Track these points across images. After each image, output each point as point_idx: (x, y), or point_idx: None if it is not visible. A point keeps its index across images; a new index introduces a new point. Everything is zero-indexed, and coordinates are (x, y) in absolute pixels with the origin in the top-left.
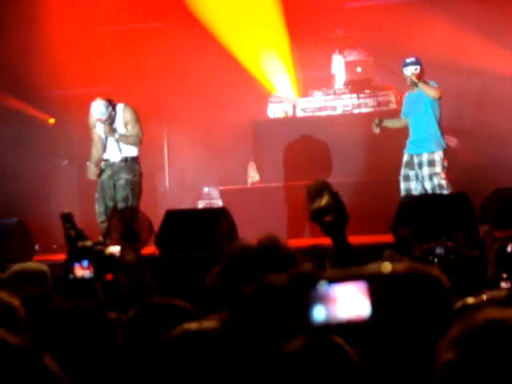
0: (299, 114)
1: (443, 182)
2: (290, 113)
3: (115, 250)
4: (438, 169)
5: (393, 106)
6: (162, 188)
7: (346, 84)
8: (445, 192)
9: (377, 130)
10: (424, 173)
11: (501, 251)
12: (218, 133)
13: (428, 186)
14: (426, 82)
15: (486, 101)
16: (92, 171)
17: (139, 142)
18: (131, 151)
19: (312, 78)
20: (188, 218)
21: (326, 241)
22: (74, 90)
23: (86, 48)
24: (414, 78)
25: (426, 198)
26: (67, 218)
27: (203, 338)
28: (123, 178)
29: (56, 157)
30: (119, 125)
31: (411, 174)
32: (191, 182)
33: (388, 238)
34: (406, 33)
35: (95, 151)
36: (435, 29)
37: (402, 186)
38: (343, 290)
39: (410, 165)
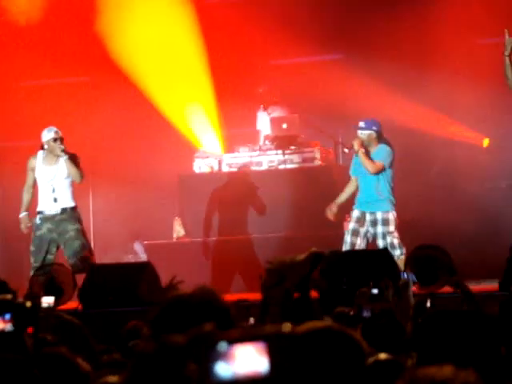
0: (225, 169)
1: (396, 241)
2: (216, 168)
3: (50, 300)
4: (392, 228)
5: (318, 162)
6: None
7: (272, 140)
8: (397, 251)
9: (332, 216)
10: (378, 231)
11: (419, 306)
12: (144, 187)
13: (381, 244)
14: (366, 154)
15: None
16: (25, 223)
17: (82, 176)
18: (69, 201)
19: (237, 135)
20: (111, 272)
21: (249, 296)
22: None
23: (8, 102)
24: (356, 145)
25: (351, 254)
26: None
27: None
28: (71, 229)
29: None
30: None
31: (361, 230)
32: (117, 237)
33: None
34: (331, 90)
35: (28, 197)
36: (360, 85)
37: (348, 239)
38: (243, 350)
39: (360, 221)
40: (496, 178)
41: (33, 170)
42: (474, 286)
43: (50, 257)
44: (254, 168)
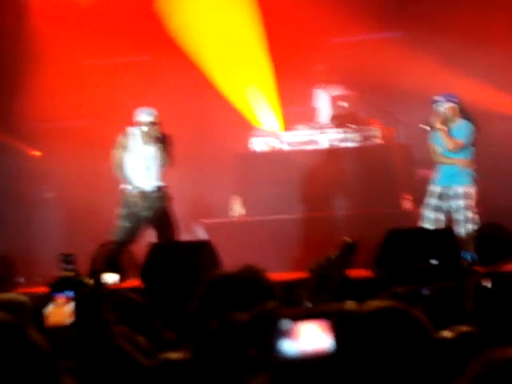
0: (284, 147)
1: (472, 216)
2: (275, 146)
3: (114, 278)
4: (471, 202)
5: (378, 140)
6: None
7: (332, 118)
8: (471, 226)
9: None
10: (458, 204)
11: (479, 287)
12: (203, 166)
13: (459, 217)
14: (446, 131)
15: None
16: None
17: (169, 163)
18: (159, 180)
19: (295, 113)
20: (172, 250)
21: (306, 275)
22: (60, 122)
23: (72, 81)
24: (437, 123)
25: (411, 232)
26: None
27: (173, 368)
28: (160, 207)
29: (41, 189)
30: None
31: (443, 205)
32: (176, 215)
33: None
34: (391, 68)
35: (122, 172)
36: (422, 64)
37: (432, 215)
38: (307, 327)
39: (441, 196)
40: None
41: (123, 147)
42: None
43: (138, 233)
44: (314, 147)
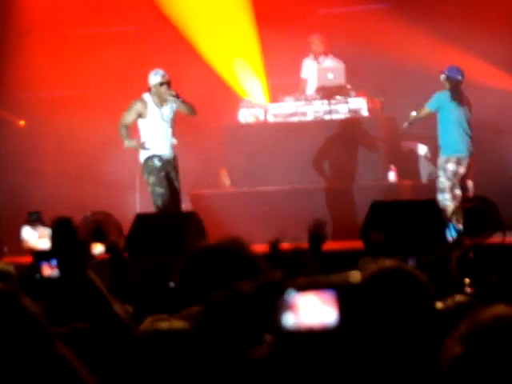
0: (270, 119)
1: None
2: (262, 118)
3: (100, 249)
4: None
5: (364, 112)
6: (132, 192)
7: (318, 90)
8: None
9: None
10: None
11: (463, 258)
12: (191, 137)
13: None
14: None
15: None
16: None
17: (195, 111)
18: (174, 149)
19: (283, 84)
20: (157, 221)
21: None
22: (46, 92)
23: (58, 51)
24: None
25: (396, 205)
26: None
27: (173, 338)
28: (176, 178)
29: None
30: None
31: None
32: None
33: (356, 243)
34: (380, 40)
35: (125, 131)
36: (410, 36)
37: (448, 184)
38: (311, 299)
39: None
40: None
41: (137, 113)
42: None
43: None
44: (300, 118)
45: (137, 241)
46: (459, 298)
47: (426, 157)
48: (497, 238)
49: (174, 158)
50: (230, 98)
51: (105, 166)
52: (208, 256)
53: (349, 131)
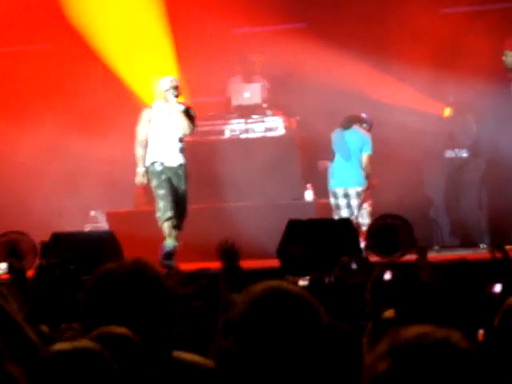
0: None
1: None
2: None
3: (2, 267)
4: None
5: (281, 131)
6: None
7: (235, 109)
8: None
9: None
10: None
11: (377, 280)
12: (102, 156)
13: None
14: None
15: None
16: (143, 178)
17: (193, 130)
18: (183, 157)
19: (198, 103)
20: (73, 240)
21: (214, 265)
22: None
23: None
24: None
25: (312, 223)
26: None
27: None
28: (182, 188)
29: None
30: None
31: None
32: (73, 205)
33: (273, 262)
34: (296, 59)
35: (143, 151)
36: (325, 56)
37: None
38: None
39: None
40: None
41: (149, 121)
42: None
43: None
44: (217, 136)
45: (51, 259)
46: (388, 313)
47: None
48: (411, 257)
49: (180, 166)
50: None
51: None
52: (110, 277)
53: (265, 150)
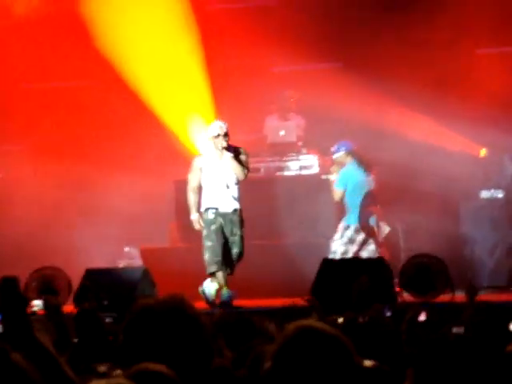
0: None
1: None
2: None
3: (39, 304)
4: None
5: (316, 169)
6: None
7: (269, 147)
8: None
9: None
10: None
11: (412, 320)
12: (138, 191)
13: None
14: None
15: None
16: (199, 223)
17: (246, 175)
18: (238, 202)
19: (236, 141)
20: (108, 276)
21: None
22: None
23: (10, 104)
24: (332, 169)
25: (346, 262)
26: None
27: None
28: (238, 234)
29: None
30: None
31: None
32: (113, 240)
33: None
34: (332, 98)
35: (196, 198)
36: (360, 95)
37: (343, 249)
38: None
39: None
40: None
41: (200, 169)
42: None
43: (226, 249)
44: (252, 174)
45: (85, 296)
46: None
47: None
48: (446, 297)
49: (235, 211)
50: (182, 155)
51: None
52: (148, 313)
53: (300, 188)
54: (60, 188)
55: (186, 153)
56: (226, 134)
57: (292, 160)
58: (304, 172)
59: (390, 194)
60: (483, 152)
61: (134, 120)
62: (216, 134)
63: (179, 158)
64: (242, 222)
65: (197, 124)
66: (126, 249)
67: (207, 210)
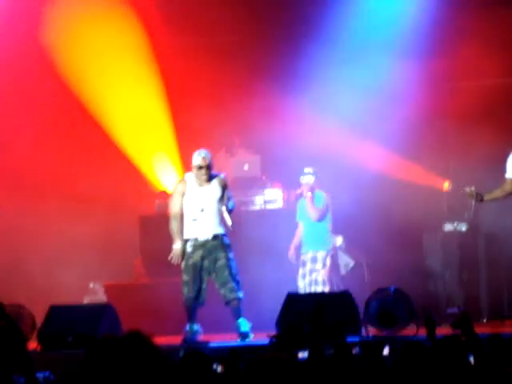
0: None
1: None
2: None
3: None
4: (320, 265)
5: (280, 203)
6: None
7: (233, 181)
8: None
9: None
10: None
11: (377, 355)
12: (101, 226)
13: (320, 278)
14: (311, 200)
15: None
16: (179, 255)
17: (234, 206)
18: (219, 228)
19: None
20: (71, 312)
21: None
22: None
23: None
24: (304, 191)
25: (311, 296)
26: None
27: None
28: (223, 257)
29: None
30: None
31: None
32: (73, 276)
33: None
34: (291, 131)
35: (178, 225)
36: (321, 126)
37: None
38: None
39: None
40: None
41: (182, 194)
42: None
43: (203, 286)
44: None
45: (50, 333)
46: None
47: (341, 248)
48: (410, 331)
49: (215, 236)
50: (146, 189)
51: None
52: (107, 349)
53: (264, 222)
54: (20, 223)
55: (150, 189)
56: (208, 167)
57: (257, 194)
58: (268, 206)
59: (354, 226)
60: (446, 185)
61: (99, 153)
62: (198, 166)
63: (144, 195)
64: (227, 246)
65: (161, 161)
66: (91, 285)
67: (187, 241)
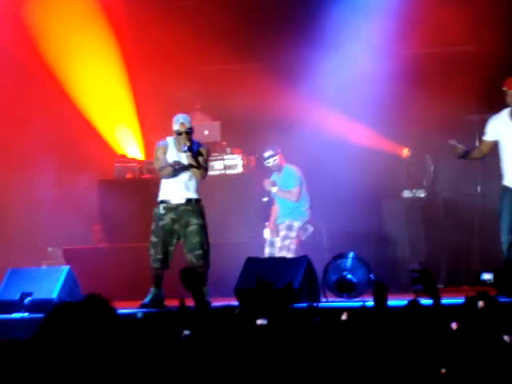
0: (145, 175)
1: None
2: (137, 174)
3: None
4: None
5: (240, 169)
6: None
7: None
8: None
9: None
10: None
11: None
12: (60, 191)
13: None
14: (282, 192)
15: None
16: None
17: (204, 176)
18: (194, 193)
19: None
20: (30, 277)
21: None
22: None
23: None
24: (267, 188)
25: (269, 260)
26: None
27: None
28: (194, 223)
29: None
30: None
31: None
32: (32, 240)
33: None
34: (254, 98)
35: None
36: (283, 95)
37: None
38: None
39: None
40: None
41: (164, 153)
42: None
43: (170, 248)
44: None
45: (8, 297)
46: None
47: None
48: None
49: (189, 201)
50: (105, 153)
51: None
52: (67, 313)
53: (223, 188)
54: None
55: (110, 151)
56: (188, 132)
57: (216, 160)
58: (228, 172)
59: (312, 193)
60: (406, 152)
61: (59, 116)
62: (177, 132)
63: (106, 157)
64: (200, 212)
65: (120, 124)
66: (50, 249)
67: (159, 203)
